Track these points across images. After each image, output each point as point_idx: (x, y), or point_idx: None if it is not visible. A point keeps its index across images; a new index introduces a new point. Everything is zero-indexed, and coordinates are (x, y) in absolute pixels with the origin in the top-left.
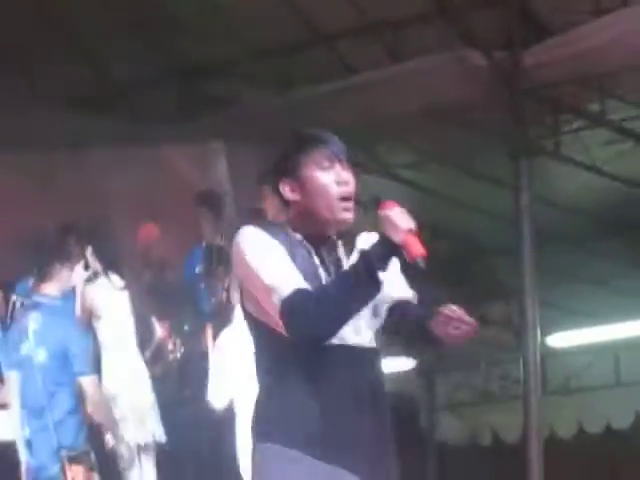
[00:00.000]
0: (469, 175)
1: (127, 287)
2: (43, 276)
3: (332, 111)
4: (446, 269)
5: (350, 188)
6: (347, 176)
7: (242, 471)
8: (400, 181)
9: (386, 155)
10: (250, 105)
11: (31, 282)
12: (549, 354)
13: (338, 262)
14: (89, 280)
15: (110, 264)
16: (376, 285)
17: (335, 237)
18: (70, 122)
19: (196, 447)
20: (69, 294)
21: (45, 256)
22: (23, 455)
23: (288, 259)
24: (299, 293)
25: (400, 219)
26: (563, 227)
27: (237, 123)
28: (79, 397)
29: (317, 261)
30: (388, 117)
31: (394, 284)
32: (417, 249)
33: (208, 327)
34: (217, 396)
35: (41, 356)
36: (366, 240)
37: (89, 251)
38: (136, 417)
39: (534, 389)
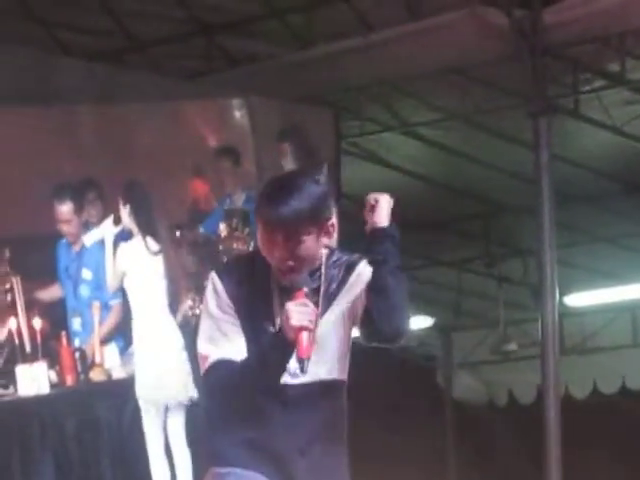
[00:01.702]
0: (488, 133)
1: (162, 251)
2: None
3: (351, 68)
4: (465, 227)
5: (285, 266)
6: (282, 255)
7: None
8: (419, 139)
9: (406, 113)
10: (271, 61)
11: None
12: (566, 314)
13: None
14: (123, 239)
15: (147, 226)
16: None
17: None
18: (94, 76)
19: None
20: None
21: None
22: None
23: (224, 325)
24: (216, 369)
25: (297, 315)
26: (582, 186)
27: (258, 79)
28: None
29: (275, 302)
30: (407, 75)
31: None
32: (302, 350)
33: None
34: None
35: None
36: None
37: (127, 211)
38: (166, 378)
39: (552, 349)
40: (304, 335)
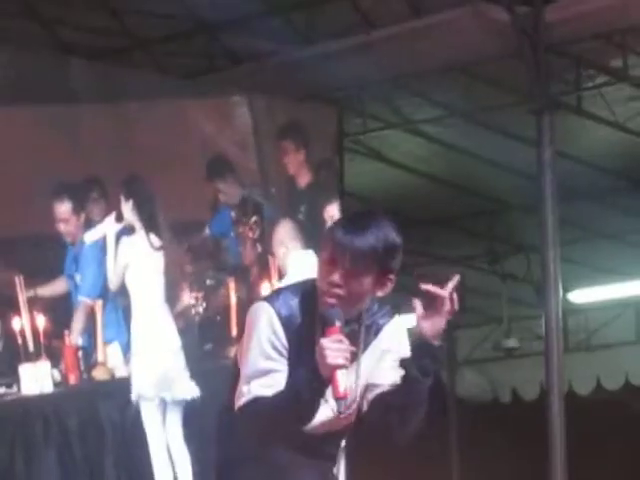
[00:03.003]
0: (491, 130)
1: (163, 247)
2: None
3: (353, 66)
4: (468, 224)
5: (334, 292)
6: (337, 280)
7: None
8: (422, 136)
9: (408, 110)
10: (273, 59)
11: None
12: (570, 310)
13: (353, 334)
14: (124, 234)
15: (149, 221)
16: (305, 412)
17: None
18: (96, 75)
19: (217, 401)
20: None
21: None
22: None
23: (275, 365)
24: (254, 405)
25: (332, 353)
26: (585, 183)
27: (260, 77)
28: None
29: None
30: (409, 72)
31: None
32: (338, 390)
33: (230, 281)
34: None
35: None
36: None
37: (129, 206)
38: (163, 374)
39: (555, 345)
40: (339, 374)
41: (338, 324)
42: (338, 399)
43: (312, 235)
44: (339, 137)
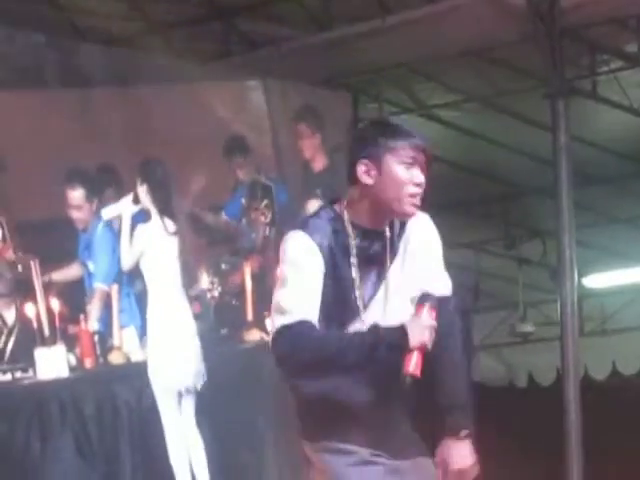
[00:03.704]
0: (507, 115)
1: (178, 232)
2: None
3: (369, 51)
4: (484, 209)
5: (421, 190)
6: (421, 179)
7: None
8: (438, 121)
9: (424, 95)
10: (288, 44)
11: None
12: (585, 295)
13: (380, 257)
14: (141, 220)
15: (164, 205)
16: (371, 362)
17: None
18: (112, 60)
19: (233, 385)
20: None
21: None
22: None
23: (315, 283)
24: (299, 326)
25: (419, 330)
26: (600, 167)
27: (275, 62)
28: None
29: (355, 261)
30: (425, 57)
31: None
32: (413, 367)
33: (246, 265)
34: None
35: None
36: (415, 229)
37: (144, 190)
38: (179, 359)
39: (571, 330)
40: (416, 353)
41: (430, 303)
42: (406, 375)
43: None
44: (354, 122)
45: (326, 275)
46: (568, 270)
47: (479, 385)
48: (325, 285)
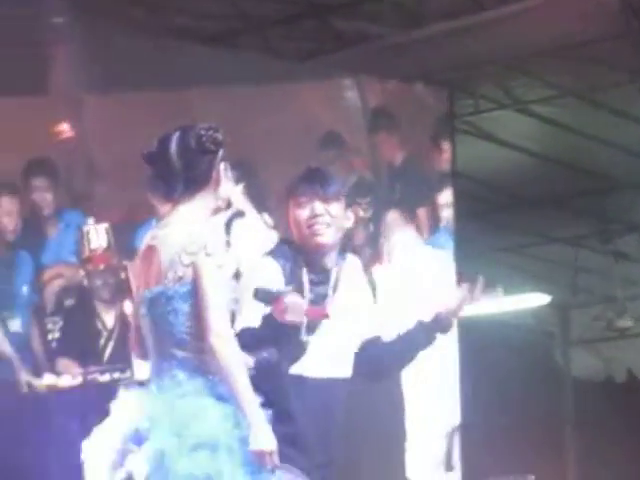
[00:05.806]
0: (602, 110)
1: (276, 227)
2: None
3: (463, 47)
4: (580, 204)
5: (321, 220)
6: (321, 210)
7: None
8: (534, 116)
9: (519, 91)
10: (382, 41)
11: None
12: None
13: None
14: (235, 218)
15: (261, 204)
16: None
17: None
18: (209, 59)
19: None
20: None
21: None
22: None
23: None
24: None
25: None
26: None
27: (369, 59)
28: None
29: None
30: (519, 53)
31: None
32: None
33: None
34: None
35: None
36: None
37: (239, 190)
38: None
39: None
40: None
41: None
42: None
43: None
44: (451, 118)
45: None
46: None
47: (578, 380)
48: None
